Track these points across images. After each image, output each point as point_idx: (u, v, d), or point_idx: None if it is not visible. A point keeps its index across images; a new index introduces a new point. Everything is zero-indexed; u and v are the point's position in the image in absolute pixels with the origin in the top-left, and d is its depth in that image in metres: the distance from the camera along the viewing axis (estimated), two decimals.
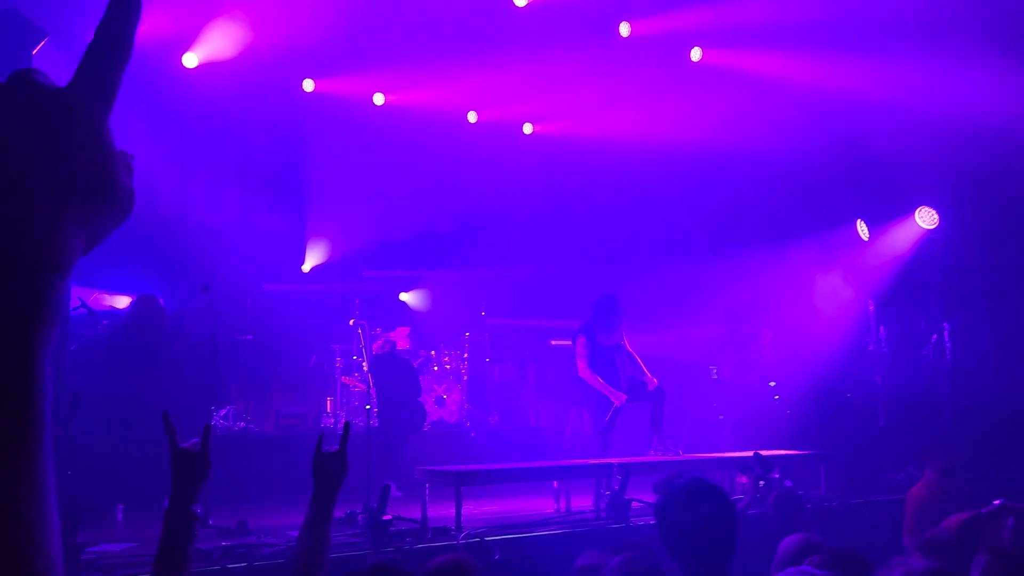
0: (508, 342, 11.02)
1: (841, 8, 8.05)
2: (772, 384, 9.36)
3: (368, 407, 6.58)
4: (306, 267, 10.79)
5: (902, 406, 8.20)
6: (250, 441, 8.37)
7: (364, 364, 7.31)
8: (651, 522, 5.48)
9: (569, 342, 7.76)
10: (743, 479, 6.04)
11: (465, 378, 10.06)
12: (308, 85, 9.76)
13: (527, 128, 10.96)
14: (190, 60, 8.84)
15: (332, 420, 9.01)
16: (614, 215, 10.56)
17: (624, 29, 9.08)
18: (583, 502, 6.44)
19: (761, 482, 5.66)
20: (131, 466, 6.96)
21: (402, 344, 10.03)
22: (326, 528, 2.12)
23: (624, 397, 6.99)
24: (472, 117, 10.62)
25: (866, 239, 9.05)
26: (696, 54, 9.44)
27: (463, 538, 4.96)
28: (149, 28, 8.52)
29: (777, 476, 6.25)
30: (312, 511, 2.14)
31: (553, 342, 11.33)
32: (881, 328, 8.33)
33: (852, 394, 8.39)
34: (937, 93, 7.72)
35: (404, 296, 11.29)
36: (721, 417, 9.28)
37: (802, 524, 4.83)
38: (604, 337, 7.20)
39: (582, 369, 7.14)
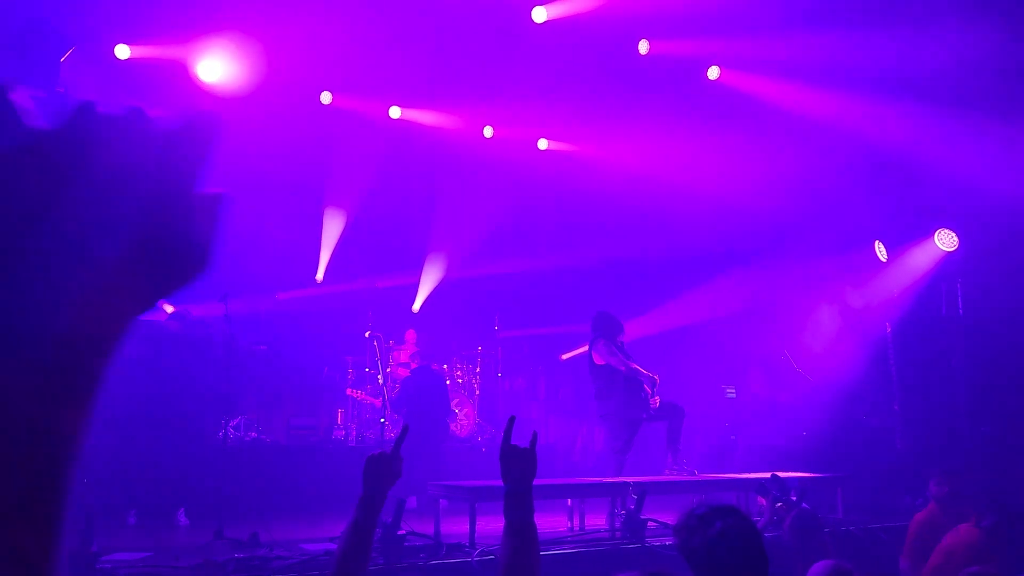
0: (519, 356, 11.00)
1: (860, 54, 8.03)
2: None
3: (383, 420, 6.55)
4: (319, 276, 10.80)
5: (920, 430, 8.13)
6: (262, 452, 8.36)
7: (379, 377, 7.29)
8: (667, 543, 5.44)
9: (581, 349, 7.67)
10: (762, 500, 5.97)
11: (477, 393, 10.04)
12: (326, 97, 9.81)
13: (543, 144, 10.97)
14: (210, 71, 8.91)
15: (343, 432, 8.98)
16: (631, 232, 10.54)
17: (643, 47, 9.09)
18: (597, 520, 6.38)
19: (779, 504, 5.60)
20: (142, 472, 6.97)
21: (409, 349, 10.05)
22: (531, 525, 2.03)
23: (657, 379, 6.99)
24: (488, 132, 10.64)
25: (884, 260, 9.00)
26: (714, 72, 9.44)
27: (477, 555, 4.92)
28: (164, 38, 8.61)
29: (795, 498, 6.18)
30: (509, 509, 2.05)
31: (564, 356, 11.32)
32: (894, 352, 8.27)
33: (869, 416, 8.32)
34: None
35: (417, 305, 11.29)
36: (733, 437, 9.23)
37: (819, 546, 4.77)
38: (616, 359, 7.17)
39: (620, 363, 7.08)
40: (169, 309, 9.35)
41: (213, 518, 6.18)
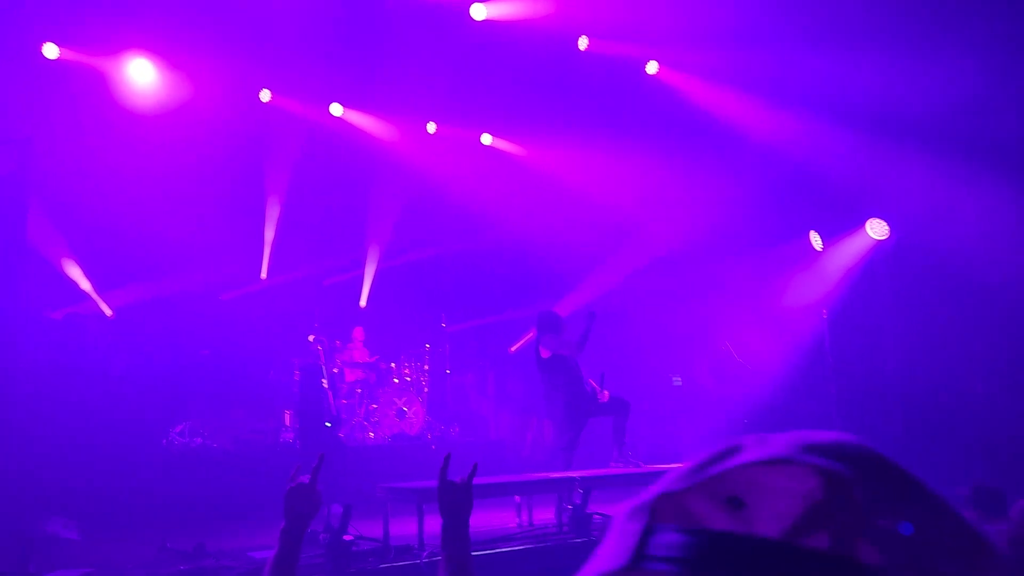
0: (468, 351, 11.03)
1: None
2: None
3: (328, 424, 6.52)
4: (264, 274, 10.65)
5: (854, 413, 8.40)
6: (208, 458, 8.23)
7: (324, 381, 7.24)
8: None
9: (527, 336, 7.61)
10: None
11: (426, 390, 10.03)
12: (265, 95, 9.68)
13: (486, 139, 10.99)
14: (143, 71, 8.74)
15: (292, 435, 8.90)
16: (576, 226, 10.64)
17: (583, 43, 9.17)
18: (545, 514, 6.45)
19: None
20: (82, 483, 6.82)
21: (359, 350, 9.99)
22: (468, 558, 2.04)
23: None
24: (431, 128, 10.62)
25: (820, 250, 9.26)
26: (652, 67, 9.58)
27: (426, 556, 4.94)
28: (100, 36, 8.40)
29: None
30: (445, 543, 2.07)
31: (512, 349, 11.38)
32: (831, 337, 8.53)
33: (807, 401, 8.57)
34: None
35: (363, 299, 11.22)
36: (680, 426, 9.41)
37: None
38: (564, 347, 7.23)
39: (570, 349, 7.13)
40: (108, 312, 9.17)
41: (157, 529, 6.09)
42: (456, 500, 2.07)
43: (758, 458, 0.51)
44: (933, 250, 8.25)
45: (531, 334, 8.30)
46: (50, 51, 8.34)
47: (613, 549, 0.53)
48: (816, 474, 0.50)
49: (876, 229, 8.96)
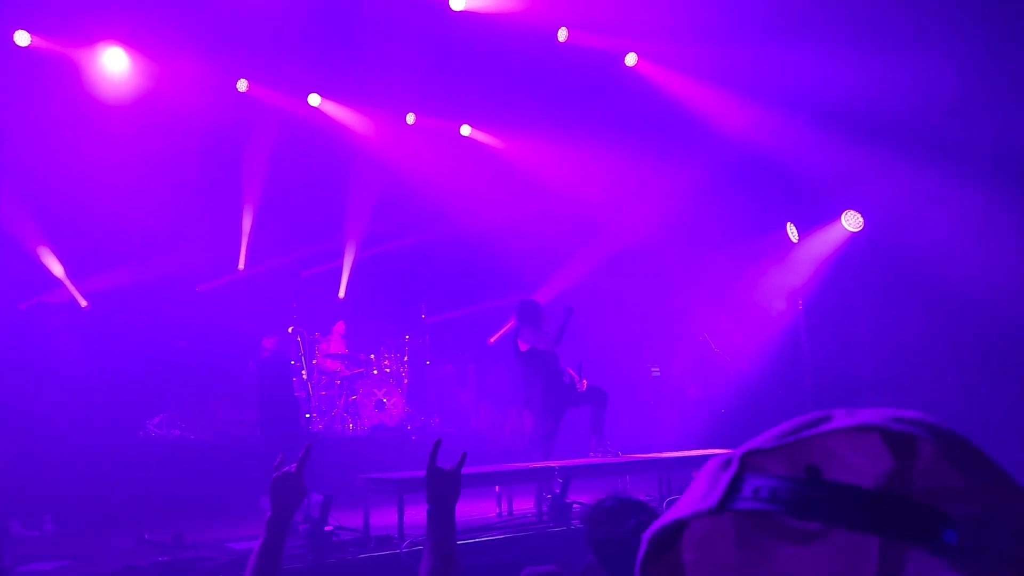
0: (448, 342, 11.02)
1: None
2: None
3: (308, 415, 6.51)
4: (241, 265, 10.57)
5: (831, 404, 8.52)
6: (186, 449, 8.19)
7: (303, 372, 7.22)
8: None
9: (507, 326, 7.61)
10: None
11: (405, 381, 10.03)
12: (242, 85, 9.59)
13: (465, 130, 10.98)
14: (117, 60, 8.63)
15: (257, 427, 8.86)
16: (555, 216, 10.66)
17: (562, 34, 9.17)
18: (525, 504, 6.50)
19: None
20: (58, 476, 6.77)
21: (337, 343, 9.96)
22: (453, 544, 2.07)
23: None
24: (410, 118, 10.58)
25: (796, 241, 9.36)
26: (631, 59, 9.61)
27: (406, 547, 4.97)
28: (74, 24, 8.29)
29: None
30: (431, 529, 2.09)
31: (492, 340, 11.40)
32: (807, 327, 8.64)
33: (783, 393, 8.67)
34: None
35: (342, 291, 11.17)
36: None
37: None
38: (542, 342, 7.25)
39: (547, 343, 7.14)
40: (83, 303, 9.07)
41: (135, 521, 6.07)
42: (444, 487, 2.10)
43: (844, 425, 0.54)
44: (906, 244, 8.38)
45: (511, 323, 8.32)
46: (21, 39, 8.21)
47: (702, 493, 0.55)
48: (900, 443, 0.53)
49: (851, 221, 9.07)
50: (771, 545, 0.58)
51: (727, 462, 0.56)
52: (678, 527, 0.57)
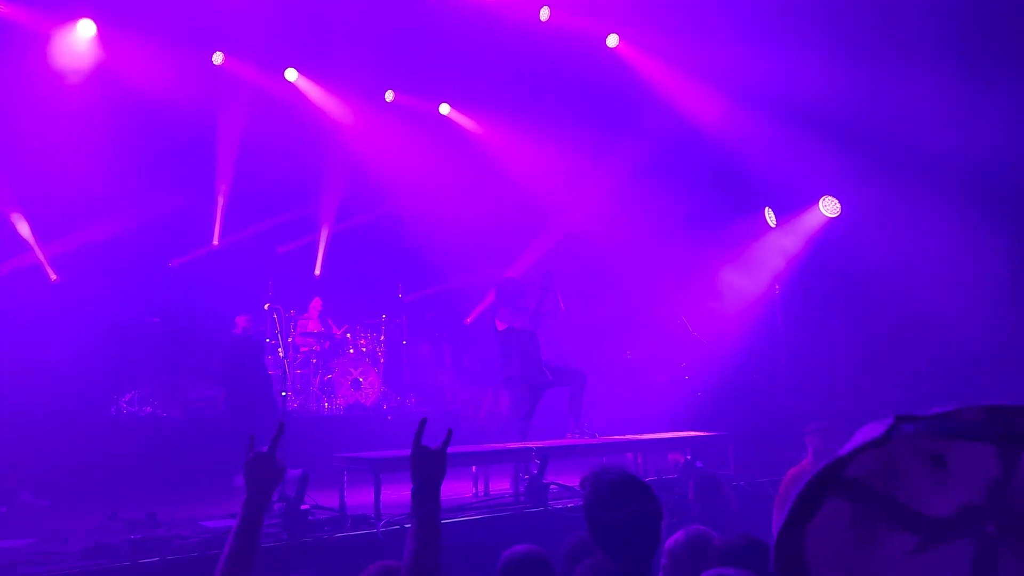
0: (424, 322, 10.98)
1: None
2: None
3: (284, 393, 6.45)
4: (216, 241, 10.41)
5: (804, 388, 8.61)
6: (158, 427, 8.10)
7: (280, 350, 7.15)
8: (568, 505, 5.61)
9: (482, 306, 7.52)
10: (678, 457, 6.30)
11: (382, 361, 9.99)
12: (218, 58, 9.40)
13: (444, 108, 10.87)
14: (86, 30, 8.43)
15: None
16: (534, 197, 10.62)
17: (544, 14, 9.09)
18: (501, 484, 6.50)
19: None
20: (30, 452, 6.67)
21: (313, 321, 9.88)
22: (438, 524, 2.05)
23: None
24: (389, 96, 10.45)
25: (773, 226, 9.40)
26: (613, 40, 9.55)
27: (383, 526, 4.95)
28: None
29: (689, 457, 6.48)
30: (415, 509, 2.07)
31: (468, 320, 11.38)
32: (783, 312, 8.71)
33: (759, 376, 8.74)
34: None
35: (318, 268, 11.06)
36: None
37: (724, 504, 5.01)
38: (519, 320, 7.21)
39: (524, 322, 7.07)
40: (53, 277, 8.89)
41: (107, 498, 5.99)
42: (430, 466, 2.08)
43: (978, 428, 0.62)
44: (876, 245, 8.48)
45: (488, 301, 8.27)
46: None
47: (867, 433, 0.64)
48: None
49: (829, 207, 9.12)
50: (883, 532, 0.66)
51: (881, 422, 0.65)
52: (839, 465, 0.67)
